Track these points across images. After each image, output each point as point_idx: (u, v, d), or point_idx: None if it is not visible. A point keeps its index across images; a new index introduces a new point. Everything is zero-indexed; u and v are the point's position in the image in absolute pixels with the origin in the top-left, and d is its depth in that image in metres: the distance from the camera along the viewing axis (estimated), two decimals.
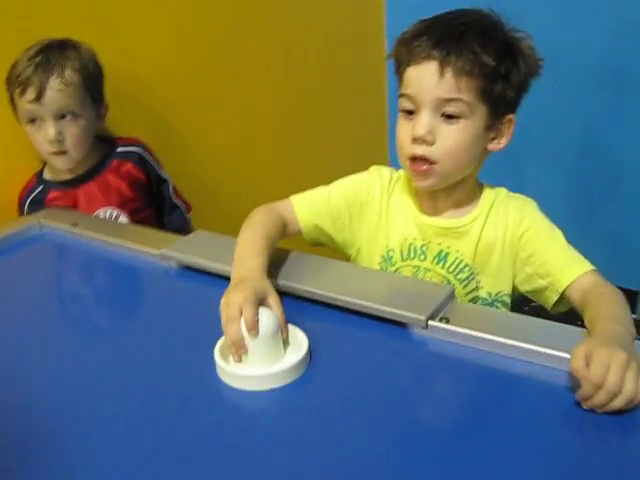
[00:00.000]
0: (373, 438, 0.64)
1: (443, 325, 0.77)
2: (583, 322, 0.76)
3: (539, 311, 0.87)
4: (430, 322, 0.77)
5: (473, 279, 0.91)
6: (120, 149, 1.30)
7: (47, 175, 1.28)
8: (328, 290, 0.84)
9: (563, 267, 0.85)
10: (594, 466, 0.59)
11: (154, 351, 0.79)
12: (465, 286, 0.91)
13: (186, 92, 1.50)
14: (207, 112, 1.56)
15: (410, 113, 0.87)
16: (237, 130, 1.62)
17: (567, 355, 0.67)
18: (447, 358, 0.75)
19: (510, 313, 0.89)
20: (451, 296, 0.82)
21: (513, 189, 0.96)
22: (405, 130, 0.87)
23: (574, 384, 0.65)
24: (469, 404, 0.71)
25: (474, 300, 0.92)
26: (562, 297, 0.85)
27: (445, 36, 0.83)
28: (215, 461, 0.61)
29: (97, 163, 1.28)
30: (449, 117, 0.84)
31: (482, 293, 0.93)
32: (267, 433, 0.65)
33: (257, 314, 0.71)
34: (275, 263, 0.88)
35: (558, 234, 0.89)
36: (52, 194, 1.26)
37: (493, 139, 0.89)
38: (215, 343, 0.74)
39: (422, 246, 0.93)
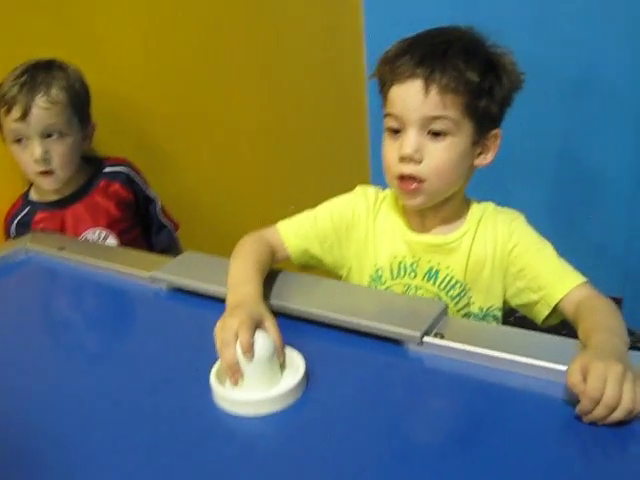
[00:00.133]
0: (372, 459, 0.63)
1: (438, 341, 0.77)
2: (568, 332, 0.76)
3: (524, 322, 0.87)
4: (425, 338, 0.78)
5: (465, 295, 0.92)
6: (107, 169, 1.30)
7: (34, 196, 1.27)
8: (322, 309, 0.84)
9: (555, 281, 0.86)
10: (591, 478, 0.59)
11: (147, 376, 0.78)
12: (457, 303, 0.92)
13: (170, 112, 1.51)
14: (192, 131, 1.57)
15: (396, 132, 0.87)
16: (222, 149, 1.63)
17: (562, 367, 0.68)
18: (443, 373, 0.75)
19: (504, 327, 0.90)
20: (444, 312, 0.83)
21: (493, 200, 0.97)
22: (392, 149, 0.88)
23: (572, 398, 0.65)
24: (467, 418, 0.71)
25: (466, 316, 0.93)
26: (554, 310, 0.86)
27: (428, 54, 0.84)
28: None
29: (84, 184, 1.27)
30: (435, 134, 0.85)
31: (474, 309, 0.93)
32: (264, 459, 0.64)
33: (253, 337, 0.71)
34: (267, 283, 0.88)
35: (548, 247, 0.90)
36: (39, 215, 1.25)
37: (479, 154, 0.89)
38: (209, 366, 0.73)
39: (412, 264, 0.93)
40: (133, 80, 1.42)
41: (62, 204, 1.26)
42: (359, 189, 1.00)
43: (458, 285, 0.91)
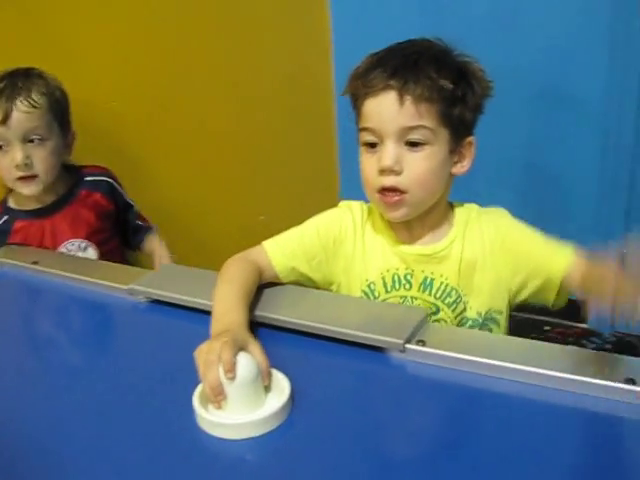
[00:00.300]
0: (358, 476, 0.62)
1: (420, 347, 0.77)
2: (547, 330, 0.76)
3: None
4: (407, 345, 0.78)
5: (460, 301, 0.91)
6: (88, 178, 1.29)
7: (12, 204, 1.26)
8: (306, 319, 0.84)
9: (552, 261, 0.86)
10: None
11: (126, 392, 0.76)
12: (454, 310, 0.91)
13: (141, 122, 1.53)
14: (163, 142, 1.60)
15: (373, 146, 0.87)
16: (193, 159, 1.65)
17: (546, 372, 0.68)
18: (426, 380, 0.76)
19: (485, 333, 0.90)
20: (425, 319, 0.83)
21: None
22: (370, 163, 0.87)
23: (557, 403, 0.65)
24: (450, 424, 0.72)
25: (463, 322, 0.92)
26: (560, 290, 0.86)
27: (400, 65, 0.84)
28: None
29: (65, 194, 1.26)
30: (413, 145, 0.85)
31: (471, 314, 0.92)
32: None
33: (235, 357, 0.69)
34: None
35: (535, 232, 0.90)
36: (18, 224, 1.23)
37: (456, 163, 0.90)
38: (190, 380, 0.71)
39: (406, 275, 0.93)
40: (106, 89, 1.45)
41: (42, 213, 1.24)
42: (343, 204, 1.00)
43: (453, 292, 0.91)
